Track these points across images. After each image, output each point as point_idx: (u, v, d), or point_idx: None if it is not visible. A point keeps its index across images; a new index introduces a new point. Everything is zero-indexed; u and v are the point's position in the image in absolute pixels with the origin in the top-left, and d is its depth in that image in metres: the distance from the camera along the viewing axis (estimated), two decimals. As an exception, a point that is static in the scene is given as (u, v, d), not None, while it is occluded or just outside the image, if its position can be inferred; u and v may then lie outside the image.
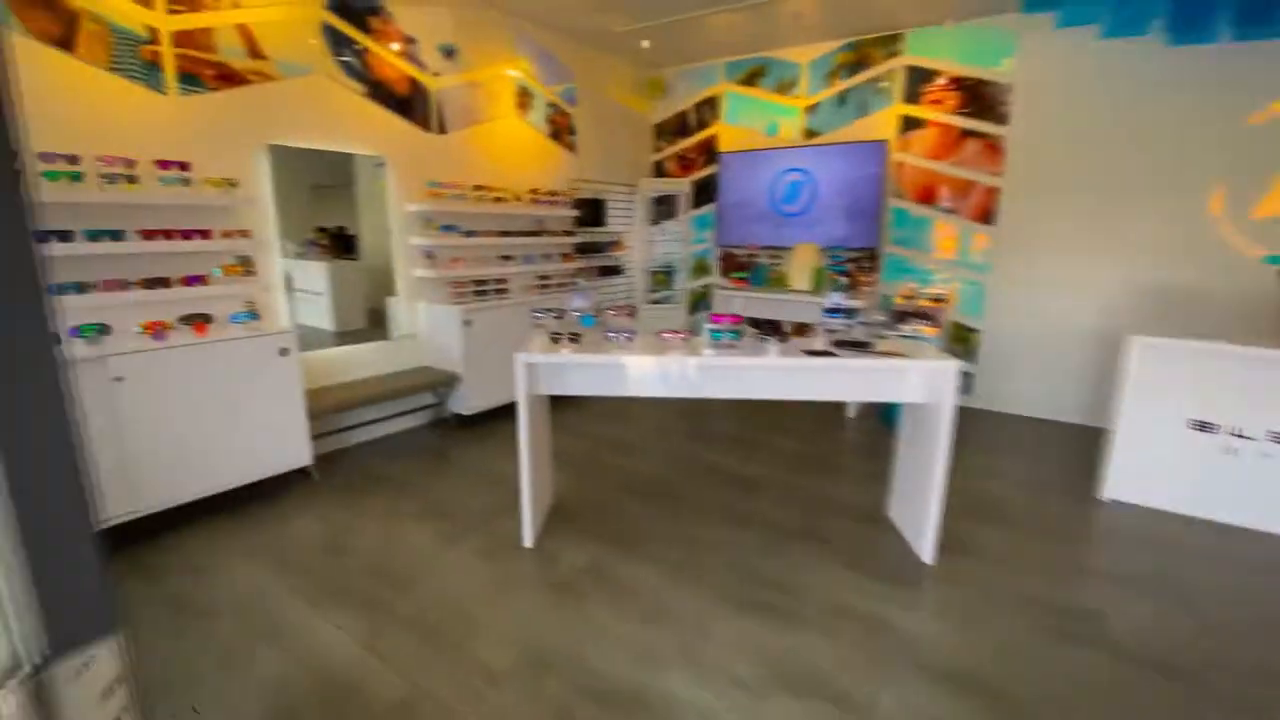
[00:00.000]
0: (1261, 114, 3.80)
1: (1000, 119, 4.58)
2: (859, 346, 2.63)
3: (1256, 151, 3.82)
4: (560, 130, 5.29)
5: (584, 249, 5.61)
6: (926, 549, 2.65)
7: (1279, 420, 2.89)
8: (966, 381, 4.94)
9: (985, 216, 4.77)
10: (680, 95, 6.11)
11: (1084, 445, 4.11)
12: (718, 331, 2.67)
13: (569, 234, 5.33)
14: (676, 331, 2.69)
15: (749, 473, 3.62)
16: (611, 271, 5.92)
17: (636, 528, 2.94)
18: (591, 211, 5.57)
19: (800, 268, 5.26)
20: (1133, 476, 3.23)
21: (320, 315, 3.91)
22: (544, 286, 5.05)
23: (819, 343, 2.68)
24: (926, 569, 2.62)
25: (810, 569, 2.60)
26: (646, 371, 2.70)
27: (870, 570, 2.60)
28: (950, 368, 2.42)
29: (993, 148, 4.65)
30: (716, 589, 2.45)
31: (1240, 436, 2.97)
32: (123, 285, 2.82)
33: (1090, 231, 4.40)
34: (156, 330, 2.79)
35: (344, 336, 3.97)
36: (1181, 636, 2.22)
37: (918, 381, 2.64)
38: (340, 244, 3.98)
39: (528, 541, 2.73)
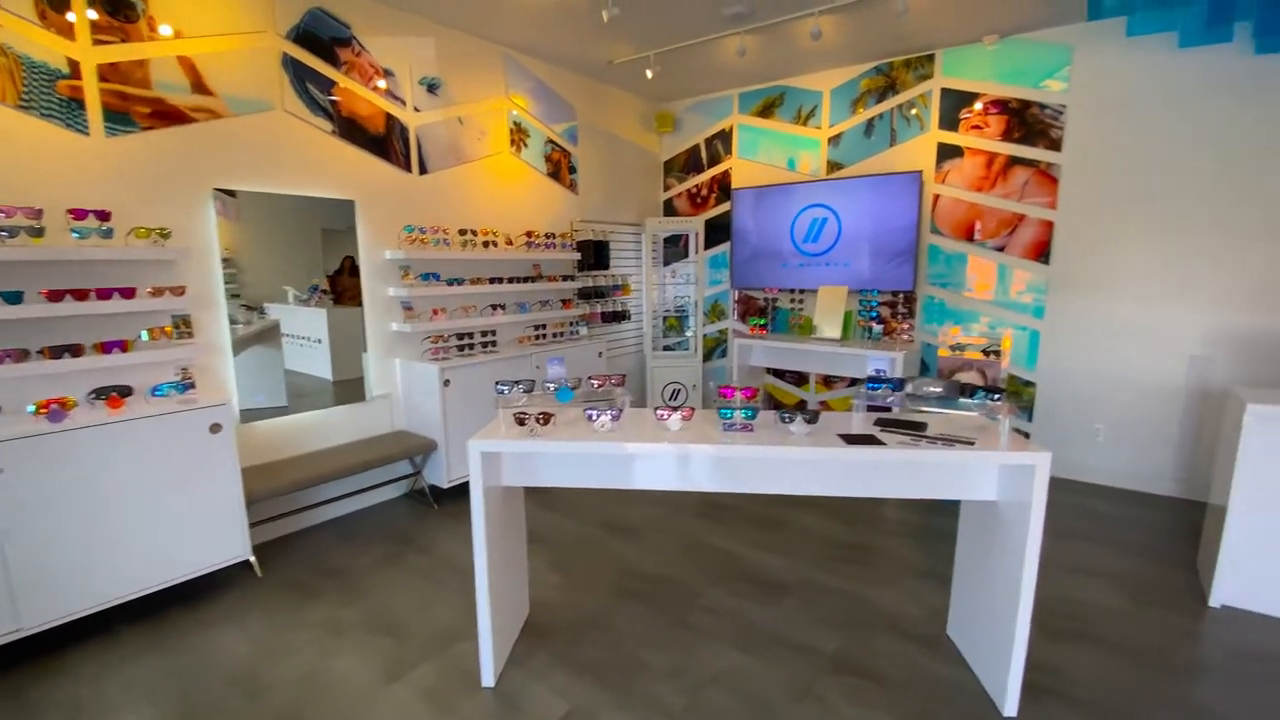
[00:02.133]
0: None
1: (1053, 144, 4.03)
2: (911, 427, 2.05)
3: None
4: (560, 168, 4.87)
5: (586, 294, 5.13)
6: (1006, 698, 2.00)
7: None
8: (1024, 442, 4.26)
9: (1038, 254, 4.18)
10: (690, 129, 5.70)
11: (1179, 525, 3.42)
12: (728, 409, 2.11)
13: (569, 279, 4.87)
14: (675, 408, 2.14)
15: (771, 566, 3.00)
16: (618, 317, 5.42)
17: (629, 653, 2.34)
18: (594, 254, 5.11)
19: (826, 312, 4.69)
20: (1254, 578, 2.56)
21: (320, 363, 3.59)
22: (539, 337, 4.56)
23: (858, 423, 2.11)
24: (1009, 724, 1.97)
25: (855, 725, 1.97)
26: (637, 462, 2.15)
27: (935, 728, 1.96)
28: (1041, 461, 1.82)
29: (1045, 176, 4.10)
30: (729, 759, 1.83)
31: None
32: (21, 355, 2.38)
33: (1168, 271, 3.77)
34: (53, 409, 2.33)
35: (341, 385, 3.65)
36: None
37: (990, 476, 2.04)
38: (346, 290, 3.62)
39: (488, 679, 2.14)
